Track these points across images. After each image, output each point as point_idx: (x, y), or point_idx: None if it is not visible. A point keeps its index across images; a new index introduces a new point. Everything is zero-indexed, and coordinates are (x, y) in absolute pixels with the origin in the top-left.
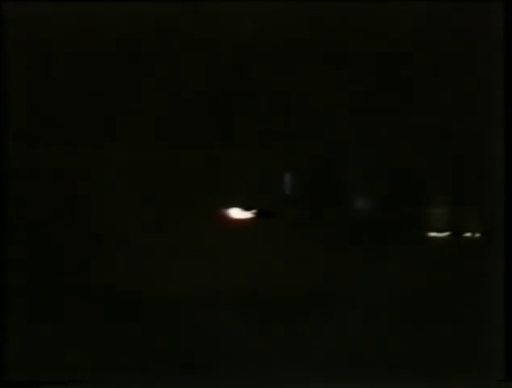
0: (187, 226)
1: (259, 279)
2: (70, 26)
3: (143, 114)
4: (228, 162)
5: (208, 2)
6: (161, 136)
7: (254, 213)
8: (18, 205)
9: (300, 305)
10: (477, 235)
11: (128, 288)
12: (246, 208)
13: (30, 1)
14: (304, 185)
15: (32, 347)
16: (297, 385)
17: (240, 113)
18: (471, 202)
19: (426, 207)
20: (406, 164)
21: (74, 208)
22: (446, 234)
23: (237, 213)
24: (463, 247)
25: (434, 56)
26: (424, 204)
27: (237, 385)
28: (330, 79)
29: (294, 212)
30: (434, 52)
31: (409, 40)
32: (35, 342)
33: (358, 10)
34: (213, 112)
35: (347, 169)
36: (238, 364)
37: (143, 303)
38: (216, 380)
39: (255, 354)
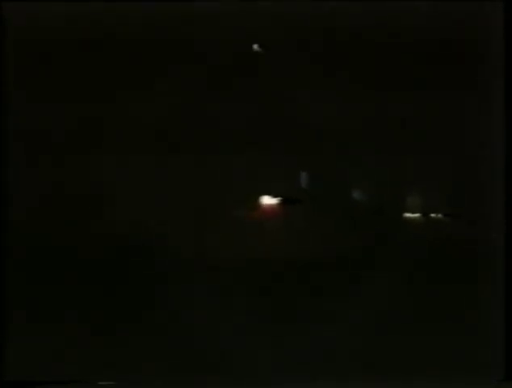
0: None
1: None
2: (70, 26)
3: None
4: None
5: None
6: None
7: (280, 200)
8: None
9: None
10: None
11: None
12: (274, 196)
13: (30, 1)
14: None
15: (32, 347)
16: None
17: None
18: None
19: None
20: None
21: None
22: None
23: (267, 200)
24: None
25: (434, 55)
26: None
27: None
28: (331, 79)
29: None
30: (434, 52)
31: (409, 39)
32: (35, 342)
33: (359, 11)
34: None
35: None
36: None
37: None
38: None
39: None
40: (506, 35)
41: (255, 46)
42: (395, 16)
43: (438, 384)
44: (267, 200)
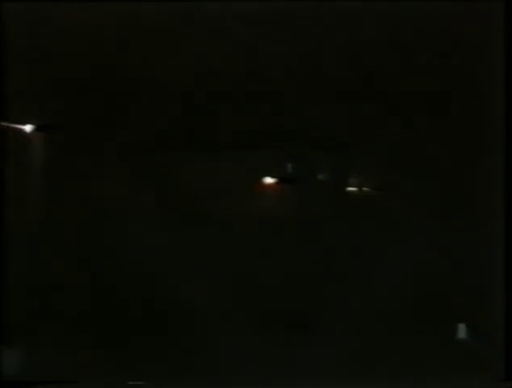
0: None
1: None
2: (70, 26)
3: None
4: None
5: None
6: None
7: (278, 180)
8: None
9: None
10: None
11: None
12: (273, 177)
13: (30, 1)
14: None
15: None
16: None
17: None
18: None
19: None
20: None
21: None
22: None
23: (268, 180)
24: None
25: (435, 56)
26: None
27: None
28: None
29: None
30: (435, 52)
31: (410, 40)
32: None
33: (359, 11)
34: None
35: None
36: None
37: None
38: None
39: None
40: (506, 35)
41: None
42: (398, 16)
43: (438, 384)
44: (269, 180)
